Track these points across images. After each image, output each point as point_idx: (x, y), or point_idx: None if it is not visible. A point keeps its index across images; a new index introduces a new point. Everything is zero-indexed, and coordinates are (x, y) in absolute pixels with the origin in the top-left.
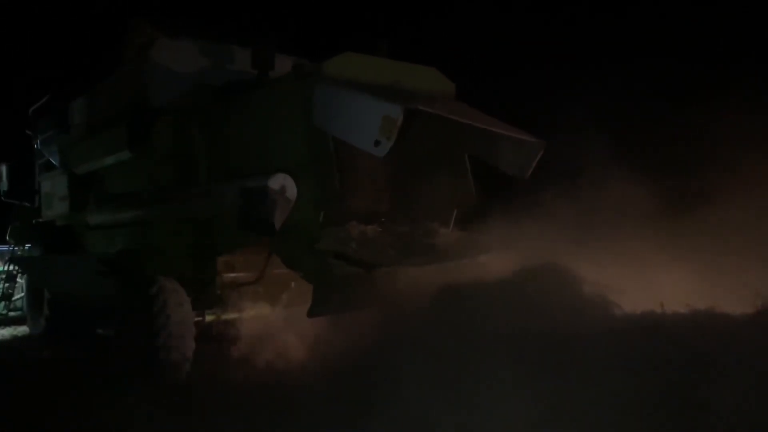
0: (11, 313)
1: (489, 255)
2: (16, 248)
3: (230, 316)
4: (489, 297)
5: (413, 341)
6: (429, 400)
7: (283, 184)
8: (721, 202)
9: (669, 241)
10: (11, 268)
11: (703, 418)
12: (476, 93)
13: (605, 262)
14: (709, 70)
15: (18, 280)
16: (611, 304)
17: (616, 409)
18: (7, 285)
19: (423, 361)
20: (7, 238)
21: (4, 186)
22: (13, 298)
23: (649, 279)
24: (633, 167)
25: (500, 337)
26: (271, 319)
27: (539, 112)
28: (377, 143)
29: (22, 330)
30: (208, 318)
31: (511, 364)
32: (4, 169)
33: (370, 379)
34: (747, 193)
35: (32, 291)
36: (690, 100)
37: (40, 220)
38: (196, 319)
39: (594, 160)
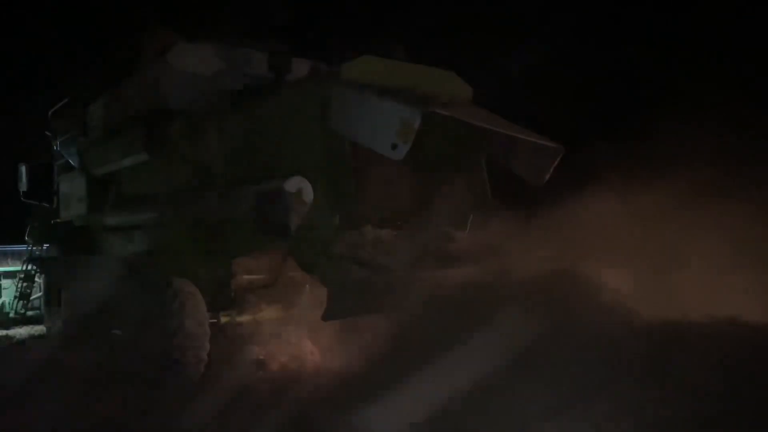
0: (29, 313)
1: (505, 260)
2: (34, 248)
3: (245, 318)
4: (505, 302)
5: (427, 345)
6: (442, 404)
7: (300, 187)
8: (741, 207)
9: (690, 249)
10: (29, 267)
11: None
12: (494, 97)
13: (625, 269)
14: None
15: (36, 279)
16: (631, 311)
17: (636, 416)
18: (25, 285)
19: (438, 364)
20: (26, 238)
21: (24, 186)
22: (31, 298)
23: (670, 287)
24: (653, 171)
25: (516, 342)
26: (286, 321)
27: (557, 116)
28: (394, 146)
29: (39, 329)
30: (223, 320)
31: (527, 369)
32: (23, 169)
33: (385, 383)
34: None
35: (49, 291)
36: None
37: (58, 220)
38: (212, 320)
39: (612, 164)
